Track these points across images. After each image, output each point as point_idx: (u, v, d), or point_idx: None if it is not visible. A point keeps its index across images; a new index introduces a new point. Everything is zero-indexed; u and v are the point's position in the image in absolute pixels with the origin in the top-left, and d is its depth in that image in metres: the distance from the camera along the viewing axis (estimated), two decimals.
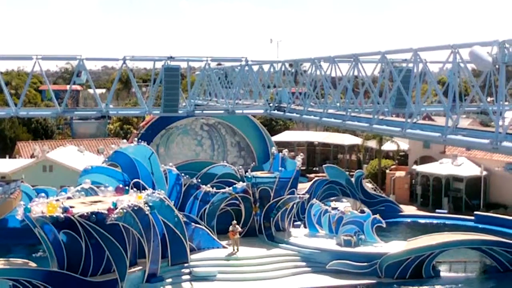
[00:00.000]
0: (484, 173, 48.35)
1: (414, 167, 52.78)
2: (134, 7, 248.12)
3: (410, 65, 22.91)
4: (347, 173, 46.64)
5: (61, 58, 39.57)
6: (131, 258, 28.61)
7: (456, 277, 33.25)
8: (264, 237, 35.56)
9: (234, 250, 33.37)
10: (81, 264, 27.51)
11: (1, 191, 32.22)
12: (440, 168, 50.22)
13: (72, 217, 26.95)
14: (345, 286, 31.52)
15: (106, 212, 27.30)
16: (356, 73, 26.24)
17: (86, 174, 33.51)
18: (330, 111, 28.75)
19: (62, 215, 26.96)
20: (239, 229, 33.86)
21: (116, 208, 27.50)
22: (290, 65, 35.77)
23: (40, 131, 69.61)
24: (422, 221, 45.22)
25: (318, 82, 29.76)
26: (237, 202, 36.22)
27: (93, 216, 27.14)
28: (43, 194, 29.97)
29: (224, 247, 33.71)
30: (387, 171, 54.51)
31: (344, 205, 39.34)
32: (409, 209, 48.21)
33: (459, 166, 49.36)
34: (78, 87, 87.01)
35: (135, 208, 28.25)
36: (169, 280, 30.54)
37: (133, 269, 28.80)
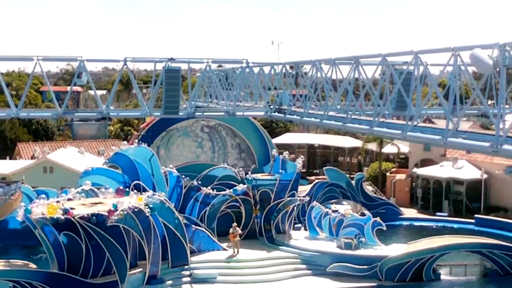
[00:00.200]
0: (485, 176, 48.32)
1: (415, 170, 52.77)
2: (134, 8, 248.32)
3: (411, 67, 22.90)
4: (348, 175, 46.64)
5: (62, 59, 39.52)
6: (131, 260, 28.62)
7: (456, 280, 33.25)
8: (265, 240, 35.54)
9: (234, 252, 33.35)
10: (81, 266, 27.53)
11: (1, 192, 32.32)
12: (441, 171, 50.20)
13: (73, 219, 26.98)
14: None
15: (106, 213, 27.33)
16: (356, 75, 26.22)
17: (87, 175, 33.53)
18: (331, 113, 28.71)
19: (62, 217, 26.99)
20: (240, 231, 33.84)
21: (116, 210, 27.53)
22: (291, 67, 35.77)
23: (41, 132, 69.64)
24: (422, 224, 45.21)
25: (319, 84, 29.72)
26: (238, 204, 36.21)
27: (94, 217, 27.17)
28: (43, 196, 30.02)
29: (224, 249, 33.69)
30: (388, 173, 54.49)
31: (345, 208, 39.30)
32: (409, 212, 48.19)
33: (459, 169, 49.35)
34: (79, 89, 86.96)
35: (136, 210, 28.27)
36: (169, 282, 30.53)
37: (133, 271, 28.82)
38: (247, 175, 37.06)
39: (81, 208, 28.37)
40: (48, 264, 28.83)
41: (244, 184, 36.64)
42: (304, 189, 42.12)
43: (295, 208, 36.63)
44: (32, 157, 52.26)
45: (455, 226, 43.07)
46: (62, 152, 51.52)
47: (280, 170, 37.16)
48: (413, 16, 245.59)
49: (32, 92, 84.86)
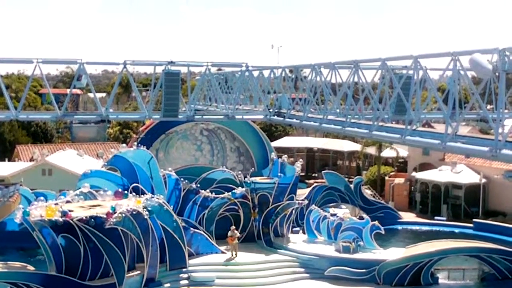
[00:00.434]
0: (483, 180, 48.37)
1: (413, 174, 52.80)
2: (134, 11, 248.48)
3: (410, 72, 22.92)
4: (346, 179, 46.63)
5: (61, 62, 39.62)
6: (130, 263, 28.60)
7: (454, 284, 33.24)
8: (263, 243, 35.52)
9: (232, 255, 33.34)
10: (79, 268, 27.51)
11: (0, 195, 32.19)
12: (439, 175, 50.24)
13: (71, 221, 26.96)
14: None
15: (104, 216, 27.31)
16: (356, 79, 26.24)
17: (85, 178, 33.49)
18: (330, 117, 28.74)
19: (60, 219, 26.97)
20: (238, 234, 33.84)
21: (115, 213, 27.51)
22: (290, 71, 35.77)
23: (40, 135, 69.67)
24: (420, 228, 45.21)
25: (318, 88, 29.74)
26: (236, 207, 36.21)
27: (92, 220, 27.15)
28: (42, 198, 29.99)
29: (222, 252, 33.68)
30: (386, 177, 54.52)
31: (343, 212, 39.31)
32: (408, 216, 48.22)
33: (458, 173, 49.39)
34: (78, 91, 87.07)
35: (134, 212, 28.26)
36: (167, 285, 30.52)
37: (131, 274, 28.78)
38: (246, 178, 37.08)
39: (79, 210, 28.36)
40: (46, 266, 28.80)
41: (242, 187, 36.64)
42: (302, 193, 42.08)
43: (293, 211, 36.61)
44: (31, 159, 52.24)
45: (454, 230, 43.06)
46: (61, 154, 51.51)
47: (279, 174, 37.18)
48: (413, 21, 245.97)
49: (32, 94, 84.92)
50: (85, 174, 33.94)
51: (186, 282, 31.25)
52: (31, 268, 28.88)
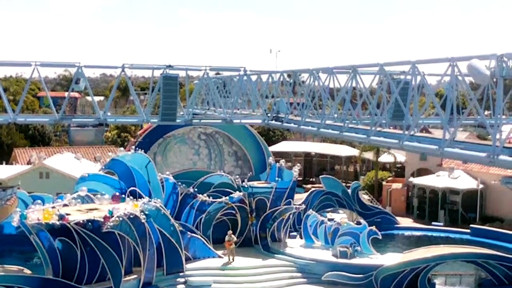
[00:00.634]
0: (481, 186, 48.43)
1: (411, 179, 52.85)
2: (133, 14, 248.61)
3: (408, 77, 22.92)
4: (344, 184, 46.62)
5: (60, 65, 39.55)
6: (126, 267, 28.56)
7: None
8: (260, 248, 35.51)
9: (229, 260, 33.30)
10: (76, 272, 27.48)
11: None
12: (437, 180, 50.28)
13: (68, 225, 26.94)
14: None
15: (102, 220, 27.29)
16: (354, 84, 26.25)
17: (83, 181, 33.47)
18: (328, 122, 28.70)
19: (58, 222, 26.96)
20: (235, 239, 33.81)
21: (112, 216, 27.49)
22: (289, 76, 35.76)
23: (37, 138, 69.68)
24: (418, 233, 45.13)
25: (316, 93, 29.73)
26: (234, 211, 36.21)
27: (89, 223, 27.14)
28: (39, 201, 30.03)
29: (219, 256, 33.65)
30: (384, 183, 54.57)
31: (340, 217, 39.29)
32: (405, 221, 48.20)
33: (455, 179, 49.44)
34: (76, 94, 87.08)
35: (131, 216, 28.24)
36: None
37: (128, 278, 28.75)
38: (244, 183, 37.07)
39: (76, 214, 28.33)
40: (43, 269, 28.76)
41: (240, 191, 36.63)
42: (300, 197, 42.07)
43: (291, 216, 36.61)
44: (29, 163, 52.23)
45: (451, 235, 43.02)
46: (59, 157, 51.49)
47: (277, 178, 37.19)
48: (411, 26, 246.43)
49: (30, 97, 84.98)
50: (83, 178, 33.91)
51: (183, 286, 31.21)
52: (27, 271, 28.86)
